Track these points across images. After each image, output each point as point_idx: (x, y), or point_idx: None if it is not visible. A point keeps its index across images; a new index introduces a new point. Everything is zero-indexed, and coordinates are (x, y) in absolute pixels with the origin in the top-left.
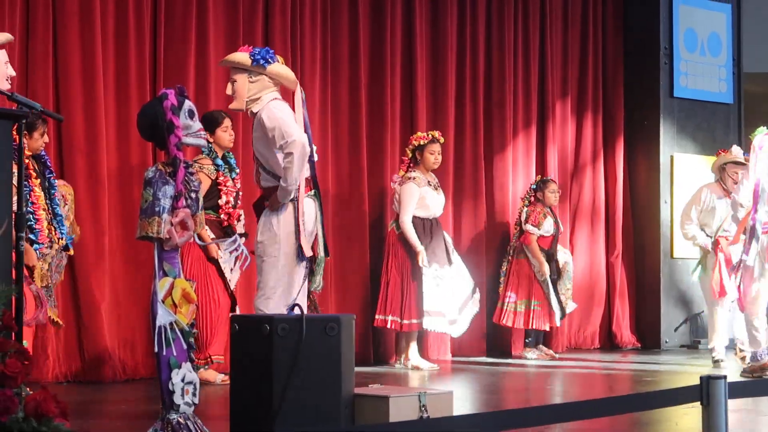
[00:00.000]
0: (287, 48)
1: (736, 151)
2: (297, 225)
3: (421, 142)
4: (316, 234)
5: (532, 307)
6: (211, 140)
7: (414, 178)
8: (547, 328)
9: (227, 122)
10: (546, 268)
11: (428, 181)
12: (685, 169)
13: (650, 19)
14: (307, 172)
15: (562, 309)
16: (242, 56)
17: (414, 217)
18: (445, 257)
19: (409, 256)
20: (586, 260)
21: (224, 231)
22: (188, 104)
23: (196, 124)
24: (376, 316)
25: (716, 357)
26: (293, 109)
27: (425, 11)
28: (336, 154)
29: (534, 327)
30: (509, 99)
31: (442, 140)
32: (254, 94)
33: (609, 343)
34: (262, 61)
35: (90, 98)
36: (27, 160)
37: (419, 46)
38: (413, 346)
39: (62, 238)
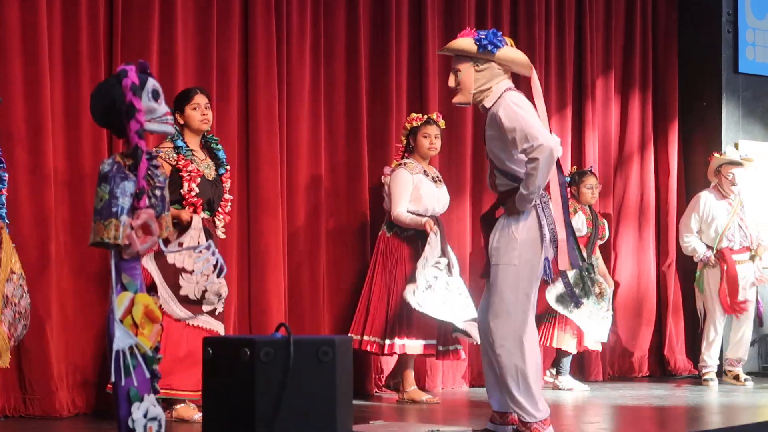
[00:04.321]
0: (271, 14)
1: (730, 152)
2: (541, 233)
3: (414, 124)
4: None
5: (547, 320)
6: (182, 121)
7: (406, 164)
8: (572, 350)
9: (200, 99)
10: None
11: (424, 170)
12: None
13: None
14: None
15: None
16: (466, 42)
17: (408, 212)
18: (446, 264)
19: (400, 263)
20: (632, 270)
21: (186, 230)
22: (152, 83)
23: (162, 107)
24: (355, 337)
25: (707, 376)
26: (532, 100)
27: None
28: (330, 145)
29: (555, 345)
30: (539, 74)
31: (441, 124)
32: (482, 84)
33: (660, 370)
34: (490, 47)
35: (32, 77)
36: None
37: (430, 12)
38: (410, 373)
39: None
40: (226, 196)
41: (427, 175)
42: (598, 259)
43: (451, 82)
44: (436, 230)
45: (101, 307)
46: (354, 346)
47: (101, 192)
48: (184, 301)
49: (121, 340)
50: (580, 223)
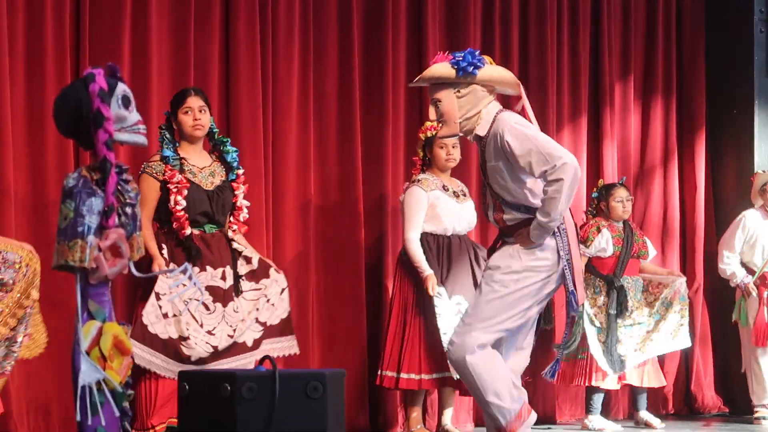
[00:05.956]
0: (255, 11)
1: None
2: (559, 264)
3: (429, 134)
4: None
5: (578, 357)
6: (176, 127)
7: (420, 181)
8: (597, 383)
9: (193, 102)
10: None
11: (443, 185)
12: None
13: None
14: None
15: (616, 359)
16: (442, 68)
17: (424, 234)
18: (472, 286)
19: (415, 287)
20: None
21: (184, 247)
22: (122, 88)
23: (133, 115)
24: (380, 372)
25: (759, 414)
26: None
27: None
28: (320, 157)
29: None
30: (551, 79)
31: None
32: (468, 111)
33: (687, 407)
34: (470, 68)
35: None
36: None
37: (431, 10)
38: (417, 410)
39: None
40: (242, 202)
41: (447, 190)
42: (637, 280)
43: (432, 115)
44: (438, 293)
45: (66, 337)
46: (388, 385)
47: (66, 209)
48: None
49: (88, 374)
50: (604, 242)
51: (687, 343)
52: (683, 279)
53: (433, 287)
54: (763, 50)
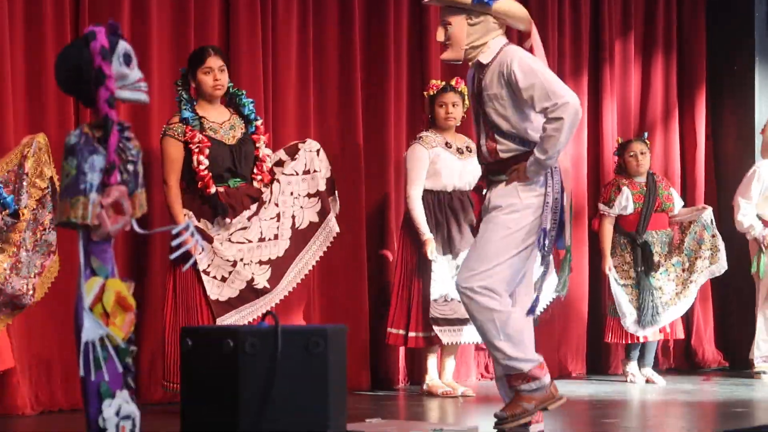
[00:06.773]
0: None
1: None
2: (545, 200)
3: (431, 93)
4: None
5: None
6: (194, 86)
7: (421, 138)
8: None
9: (213, 62)
10: (609, 262)
11: (446, 142)
12: None
13: None
14: None
15: (648, 314)
16: None
17: (424, 191)
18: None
19: (418, 248)
20: None
21: (210, 205)
22: (123, 46)
23: (135, 73)
24: (389, 330)
25: (760, 369)
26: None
27: None
28: (320, 115)
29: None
30: (551, 36)
31: (462, 90)
32: (475, 40)
33: (687, 362)
34: None
35: None
36: None
37: None
38: (431, 364)
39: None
40: (264, 152)
41: (450, 147)
42: (662, 234)
43: (440, 36)
44: (435, 257)
45: (68, 293)
46: (395, 342)
47: (67, 167)
48: None
49: (91, 330)
50: (624, 199)
51: (724, 266)
52: (709, 209)
53: (432, 252)
54: (764, 6)
